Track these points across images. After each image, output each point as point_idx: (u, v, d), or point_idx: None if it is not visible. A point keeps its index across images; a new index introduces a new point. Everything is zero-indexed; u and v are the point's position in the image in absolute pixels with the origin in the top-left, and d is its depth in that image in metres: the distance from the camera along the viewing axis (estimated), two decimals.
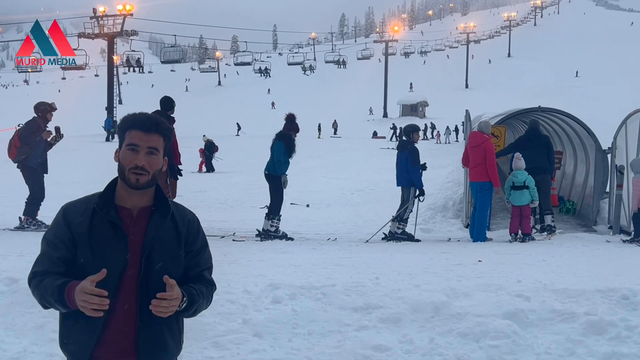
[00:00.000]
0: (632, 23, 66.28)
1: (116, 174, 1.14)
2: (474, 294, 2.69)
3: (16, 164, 4.55)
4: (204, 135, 13.46)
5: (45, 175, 4.59)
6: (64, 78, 53.04)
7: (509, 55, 57.91)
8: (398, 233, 4.88)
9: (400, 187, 5.02)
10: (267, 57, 43.00)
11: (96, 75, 53.96)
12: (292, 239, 4.66)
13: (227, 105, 39.37)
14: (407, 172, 4.86)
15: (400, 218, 4.90)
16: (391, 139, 22.88)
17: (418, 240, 4.86)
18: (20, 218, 4.52)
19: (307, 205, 7.30)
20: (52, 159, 4.71)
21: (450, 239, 5.06)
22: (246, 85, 48.34)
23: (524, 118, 7.66)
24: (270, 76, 44.66)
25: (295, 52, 41.34)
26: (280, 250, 3.95)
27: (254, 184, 8.08)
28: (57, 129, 4.63)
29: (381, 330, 2.40)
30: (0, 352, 2.10)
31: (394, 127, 24.44)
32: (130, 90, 44.06)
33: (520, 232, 4.89)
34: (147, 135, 1.11)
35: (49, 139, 4.58)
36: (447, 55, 55.49)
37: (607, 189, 5.92)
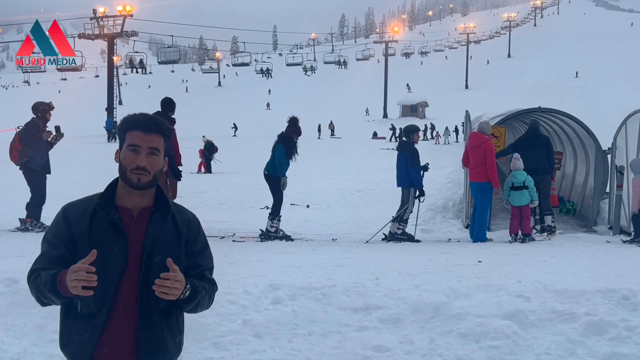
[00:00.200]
0: (632, 24, 66.31)
1: (116, 175, 1.14)
2: (474, 294, 2.69)
3: (19, 166, 4.54)
4: (203, 136, 13.46)
5: (48, 175, 4.58)
6: (64, 79, 53.06)
7: (509, 55, 57.96)
8: (398, 233, 4.88)
9: (400, 188, 5.03)
10: (267, 57, 43.04)
11: (96, 76, 54.00)
12: (292, 239, 4.66)
13: (228, 106, 39.39)
14: (407, 173, 4.86)
15: (401, 218, 4.90)
16: (390, 140, 22.90)
17: (418, 241, 4.86)
18: (20, 219, 4.51)
19: (307, 206, 7.29)
20: (52, 159, 4.69)
21: (450, 239, 5.05)
22: (247, 86, 48.39)
23: (524, 118, 7.65)
24: (271, 77, 44.68)
25: (294, 53, 41.37)
26: (280, 251, 3.95)
27: (254, 185, 8.08)
28: (57, 128, 4.62)
29: (381, 331, 2.40)
30: (0, 352, 2.10)
31: (393, 128, 24.42)
32: (129, 91, 44.09)
33: (520, 232, 4.89)
34: (148, 135, 1.11)
35: (49, 139, 4.58)
36: (446, 56, 55.54)
37: (607, 190, 5.92)
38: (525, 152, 5.15)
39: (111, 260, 1.08)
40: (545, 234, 5.13)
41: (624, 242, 4.78)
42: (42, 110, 4.55)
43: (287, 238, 4.68)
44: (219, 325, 2.32)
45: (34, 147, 4.44)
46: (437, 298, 2.61)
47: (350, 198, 8.23)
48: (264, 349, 2.23)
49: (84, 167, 10.36)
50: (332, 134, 25.74)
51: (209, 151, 12.53)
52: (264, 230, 4.69)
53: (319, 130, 26.06)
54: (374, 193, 8.44)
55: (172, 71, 59.11)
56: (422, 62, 54.67)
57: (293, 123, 4.74)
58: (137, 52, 24.59)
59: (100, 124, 23.01)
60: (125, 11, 22.08)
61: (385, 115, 36.15)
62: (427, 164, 4.96)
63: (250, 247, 4.17)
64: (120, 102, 28.06)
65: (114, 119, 21.10)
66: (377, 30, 58.86)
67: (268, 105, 39.58)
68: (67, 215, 1.11)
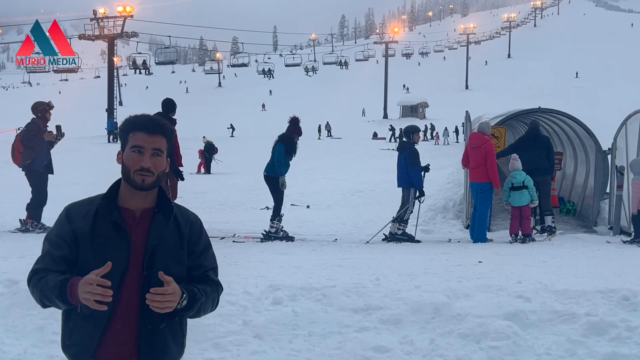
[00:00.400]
0: (633, 24, 66.30)
1: (117, 175, 1.14)
2: (474, 294, 2.69)
3: (20, 167, 4.53)
4: (204, 137, 13.46)
5: (50, 175, 4.57)
6: (66, 80, 53.05)
7: (509, 56, 57.98)
8: (398, 234, 4.88)
9: (400, 188, 5.02)
10: (268, 58, 43.08)
11: (97, 77, 53.97)
12: (293, 239, 4.65)
13: (228, 106, 39.40)
14: (407, 174, 4.86)
15: (401, 219, 4.89)
16: (390, 140, 22.88)
17: (418, 241, 4.86)
18: (20, 220, 4.50)
19: (308, 207, 7.29)
20: (53, 160, 4.68)
21: (450, 239, 5.05)
22: (247, 87, 48.42)
23: (524, 119, 7.64)
24: (273, 77, 44.68)
25: (293, 54, 41.35)
26: (281, 252, 3.94)
27: (254, 185, 8.08)
28: (58, 128, 4.61)
29: (382, 332, 2.39)
30: (0, 354, 2.09)
31: (392, 129, 24.39)
32: (129, 91, 44.09)
33: (520, 232, 4.88)
34: (152, 136, 1.11)
35: (51, 139, 4.58)
36: (444, 57, 55.52)
37: (608, 190, 5.92)
38: (525, 153, 5.15)
39: (113, 261, 1.07)
40: (546, 234, 5.13)
41: (624, 242, 4.78)
42: (42, 110, 4.54)
43: (288, 238, 4.68)
44: (219, 326, 2.32)
45: (36, 149, 4.44)
46: (437, 298, 2.61)
47: (350, 198, 8.23)
48: (265, 350, 2.23)
49: (85, 168, 10.37)
50: (329, 135, 25.58)
51: (209, 152, 12.52)
52: (266, 231, 4.69)
53: (319, 130, 26.05)
54: (374, 193, 8.44)
55: (173, 72, 59.14)
56: (419, 63, 54.59)
57: (294, 123, 4.74)
58: (140, 53, 24.61)
59: (100, 124, 23.01)
60: (126, 12, 22.10)
61: (385, 116, 36.16)
62: (428, 165, 4.95)
63: (251, 248, 4.17)
64: (120, 103, 28.07)
65: (115, 120, 21.10)
66: (377, 30, 58.89)
67: (263, 106, 39.49)
68: (70, 215, 1.11)
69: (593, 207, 6.07)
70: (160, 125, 1.13)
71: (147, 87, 48.98)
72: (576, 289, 2.76)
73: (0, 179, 7.64)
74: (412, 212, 4.96)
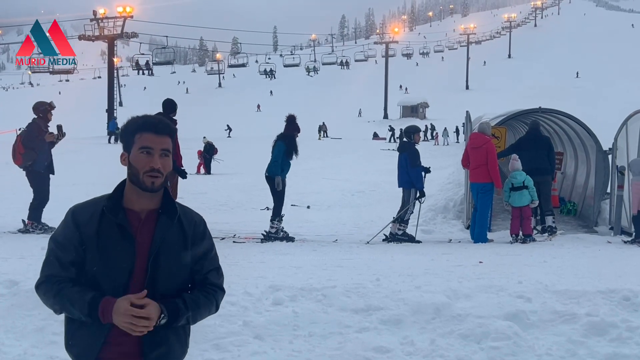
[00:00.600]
0: (633, 25, 66.19)
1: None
2: (475, 295, 2.69)
3: (21, 168, 4.53)
4: (204, 137, 13.47)
5: (51, 176, 4.56)
6: (67, 80, 53.06)
7: (509, 56, 57.91)
8: (399, 234, 4.87)
9: (401, 189, 5.02)
10: (268, 59, 43.09)
11: (98, 77, 53.91)
12: (294, 239, 4.65)
13: (228, 107, 39.38)
14: (408, 174, 4.86)
15: (401, 219, 4.89)
16: (389, 141, 22.83)
17: (419, 242, 4.85)
18: (23, 221, 4.49)
19: (308, 207, 7.28)
20: (54, 161, 4.68)
21: (451, 240, 5.05)
22: (248, 87, 48.38)
23: (525, 119, 7.64)
24: (275, 77, 44.61)
25: (293, 54, 41.30)
26: (281, 252, 3.94)
27: (255, 186, 8.07)
28: (59, 127, 4.60)
29: (382, 332, 2.39)
30: (0, 354, 2.09)
31: (392, 129, 24.30)
32: (128, 92, 44.04)
33: (521, 233, 4.88)
34: (160, 137, 1.11)
35: (52, 140, 4.57)
36: (442, 57, 55.41)
37: (608, 190, 5.91)
38: (526, 153, 5.14)
39: (119, 262, 1.08)
40: (546, 234, 5.12)
41: (625, 242, 4.78)
42: (43, 110, 4.53)
43: (289, 239, 4.68)
44: (220, 326, 2.31)
45: (37, 150, 4.43)
46: (438, 299, 2.61)
47: (350, 199, 8.22)
48: (265, 351, 2.23)
49: (85, 169, 10.37)
50: (325, 135, 25.41)
51: (208, 153, 12.51)
52: (267, 231, 4.68)
53: (319, 130, 26.03)
54: (375, 194, 8.43)
55: (174, 72, 59.08)
56: (417, 63, 54.38)
57: (291, 121, 4.72)
58: (142, 53, 24.59)
59: (100, 125, 22.99)
60: (126, 12, 22.12)
61: (385, 116, 36.13)
62: (429, 167, 4.95)
63: (251, 248, 4.17)
64: (120, 104, 28.07)
65: (116, 121, 21.09)
66: (377, 31, 58.85)
67: (259, 107, 39.40)
68: (76, 217, 1.11)
69: (594, 207, 6.06)
70: (166, 126, 1.14)
71: (145, 87, 48.90)
72: (577, 289, 2.76)
73: (0, 180, 7.63)
74: (412, 212, 4.95)
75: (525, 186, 4.88)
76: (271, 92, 45.99)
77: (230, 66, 34.12)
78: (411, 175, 4.83)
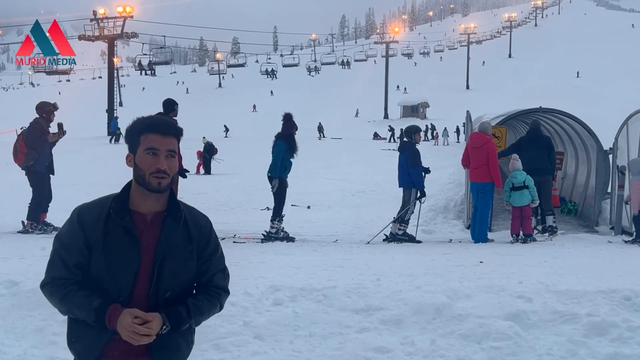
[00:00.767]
0: (633, 25, 66.06)
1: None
2: (475, 295, 2.68)
3: (21, 168, 4.53)
4: (203, 137, 13.47)
5: (51, 176, 4.56)
6: (68, 80, 53.07)
7: (509, 56, 57.86)
8: (399, 234, 4.87)
9: (401, 189, 5.01)
10: (269, 59, 43.05)
11: (99, 77, 53.95)
12: (294, 240, 4.64)
13: (228, 107, 39.36)
14: (408, 174, 4.85)
15: (402, 219, 4.88)
16: (389, 141, 22.77)
17: (419, 242, 4.85)
18: (23, 222, 4.50)
19: (308, 207, 7.27)
20: (54, 161, 4.68)
21: (451, 240, 5.04)
22: (248, 87, 48.34)
23: (525, 119, 7.63)
24: (276, 77, 44.54)
25: (292, 54, 41.31)
26: (281, 252, 3.94)
27: (255, 186, 8.06)
28: (60, 126, 4.60)
29: (382, 332, 2.39)
30: (0, 355, 2.09)
31: (392, 129, 24.24)
32: (127, 92, 43.99)
33: (521, 233, 4.87)
34: (166, 138, 1.11)
35: (55, 140, 4.57)
36: (440, 57, 55.30)
37: (609, 190, 5.90)
38: (526, 153, 5.13)
39: (124, 265, 1.08)
40: (547, 234, 5.12)
41: (626, 242, 4.77)
42: (47, 111, 4.53)
43: (289, 239, 4.67)
44: (220, 326, 2.31)
45: (39, 150, 4.43)
46: (438, 299, 2.60)
47: (351, 199, 8.21)
48: (265, 351, 2.22)
49: (85, 169, 10.37)
50: (322, 136, 25.23)
51: (208, 153, 12.52)
52: (267, 231, 4.68)
53: (320, 130, 26.00)
54: (375, 194, 8.42)
55: (174, 72, 59.04)
56: (415, 63, 54.15)
57: (288, 119, 4.71)
58: (145, 54, 24.56)
59: (100, 125, 22.97)
60: (126, 12, 22.12)
61: (386, 116, 36.10)
62: (428, 168, 4.94)
63: (251, 249, 4.16)
64: (120, 104, 28.06)
65: (117, 121, 21.06)
66: (378, 30, 58.82)
67: (254, 107, 39.28)
68: (81, 218, 1.10)
69: (594, 207, 6.06)
70: (172, 126, 1.13)
71: (143, 88, 48.81)
72: (577, 289, 2.75)
73: (0, 180, 7.63)
74: (413, 212, 4.94)
75: (525, 186, 4.87)
76: (272, 92, 45.97)
77: (229, 66, 34.08)
78: (412, 175, 4.83)
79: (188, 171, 4.50)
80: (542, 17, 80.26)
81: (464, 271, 3.18)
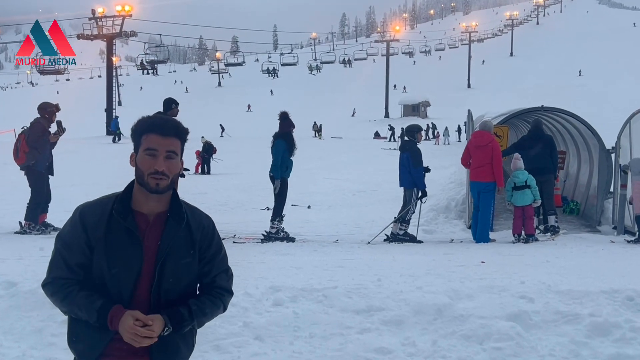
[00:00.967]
0: (635, 24, 65.73)
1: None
2: (477, 295, 2.67)
3: (21, 168, 4.52)
4: (202, 137, 13.46)
5: (50, 177, 4.57)
6: (67, 79, 53.09)
7: (511, 54, 57.70)
8: (400, 234, 4.85)
9: (402, 188, 4.99)
10: (269, 57, 42.95)
11: (99, 76, 54.05)
12: (294, 240, 4.63)
13: (228, 106, 39.32)
14: (410, 173, 4.82)
15: (403, 219, 4.86)
16: (389, 140, 22.72)
17: (420, 242, 4.83)
18: (20, 223, 4.49)
19: (309, 207, 7.25)
20: (53, 161, 4.69)
21: (452, 240, 5.02)
22: (248, 86, 48.32)
23: (527, 118, 7.61)
24: (277, 76, 44.40)
25: (290, 53, 41.36)
26: (281, 252, 3.93)
27: (255, 186, 8.05)
28: (59, 123, 4.61)
29: (383, 333, 2.37)
30: None
31: (392, 128, 24.17)
32: (125, 91, 43.93)
33: (523, 232, 4.85)
34: (166, 139, 1.10)
35: (56, 140, 4.57)
36: (439, 57, 55.09)
37: (611, 189, 5.87)
38: (528, 152, 5.11)
39: (126, 266, 1.08)
40: (549, 234, 5.09)
41: (628, 242, 4.74)
42: (50, 112, 4.54)
43: (289, 239, 4.66)
44: (220, 327, 2.30)
45: (40, 150, 4.43)
46: (439, 299, 2.59)
47: (351, 199, 8.19)
48: (265, 352, 2.21)
49: (86, 169, 10.37)
50: (317, 135, 24.99)
51: (207, 152, 12.51)
52: (267, 231, 4.67)
53: (320, 130, 25.94)
54: (376, 193, 8.40)
55: (174, 71, 59.00)
56: (414, 62, 53.98)
57: (285, 117, 4.70)
58: (147, 53, 24.50)
59: (99, 124, 22.96)
60: (124, 11, 22.08)
61: (386, 115, 36.03)
62: (427, 166, 4.91)
63: (251, 249, 4.15)
64: (119, 103, 28.06)
65: (118, 120, 21.05)
66: (378, 29, 58.71)
67: (249, 107, 39.12)
68: (83, 218, 1.10)
69: (597, 207, 6.03)
70: (174, 127, 1.11)
71: (141, 87, 48.72)
72: (580, 289, 2.73)
73: None
74: (414, 212, 4.92)
75: (527, 185, 4.85)
76: (271, 91, 45.91)
77: (227, 65, 33.97)
78: (414, 175, 4.80)
79: (188, 170, 4.48)
80: (544, 15, 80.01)
81: (465, 271, 3.16)
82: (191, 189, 7.15)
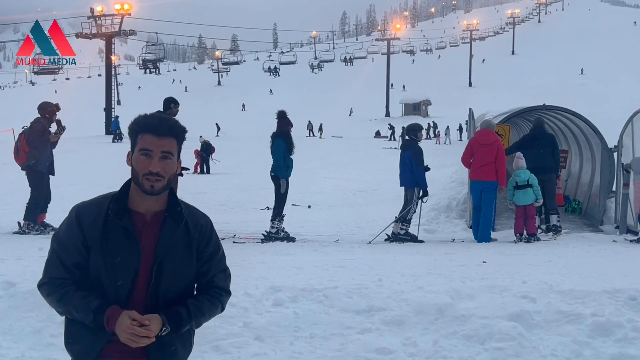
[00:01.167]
0: (635, 23, 65.37)
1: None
2: (478, 295, 2.66)
3: (21, 168, 4.52)
4: (200, 136, 13.44)
5: (51, 177, 4.56)
6: (67, 79, 53.08)
7: (512, 53, 57.51)
8: (401, 234, 4.83)
9: (403, 188, 4.97)
10: (268, 56, 42.87)
11: (99, 75, 54.14)
12: (294, 240, 4.62)
13: (227, 105, 39.28)
14: (411, 172, 4.80)
15: (404, 219, 4.85)
16: (389, 139, 22.68)
17: (421, 241, 4.81)
18: (19, 223, 4.49)
19: (309, 207, 7.24)
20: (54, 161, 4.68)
21: (454, 239, 5.01)
22: (248, 86, 48.27)
23: (529, 116, 7.59)
24: (279, 75, 44.31)
25: (288, 51, 41.30)
26: (282, 252, 3.92)
27: (255, 186, 8.04)
28: (59, 122, 4.60)
29: (384, 333, 2.36)
30: None
31: (392, 127, 24.11)
32: (124, 91, 43.88)
33: (525, 232, 4.83)
34: (161, 139, 1.07)
35: (56, 140, 4.57)
36: (438, 56, 54.87)
37: (614, 188, 5.85)
38: (530, 151, 5.08)
39: (123, 266, 1.07)
40: (551, 233, 5.07)
41: (631, 241, 4.72)
42: (50, 111, 4.53)
43: (289, 239, 4.65)
44: (220, 328, 2.29)
45: (41, 149, 4.43)
46: (441, 299, 2.58)
47: (352, 198, 8.18)
48: (265, 352, 2.20)
49: (84, 168, 10.37)
50: (311, 134, 24.75)
51: (205, 152, 12.49)
52: (267, 231, 4.66)
53: (320, 129, 25.90)
54: (376, 193, 8.38)
55: (174, 70, 58.92)
56: (413, 61, 53.68)
57: (283, 116, 4.68)
58: (150, 53, 24.45)
59: (98, 124, 22.94)
60: (123, 10, 22.04)
61: (387, 114, 35.97)
62: (427, 165, 4.90)
63: (251, 249, 4.15)
64: (119, 102, 28.02)
65: (113, 119, 21.03)
66: (379, 27, 58.59)
67: (243, 106, 39.02)
68: (79, 217, 1.08)
69: (599, 206, 6.01)
70: (169, 126, 1.09)
71: (139, 87, 48.65)
72: (582, 289, 2.72)
73: None
74: (414, 211, 4.90)
75: (529, 185, 4.83)
76: (271, 90, 45.84)
77: (225, 63, 33.81)
78: (415, 174, 4.78)
79: (188, 169, 4.47)
80: (546, 13, 79.80)
81: (466, 271, 3.15)
82: (191, 189, 7.13)
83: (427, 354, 2.23)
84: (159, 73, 28.70)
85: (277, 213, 4.69)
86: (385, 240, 4.82)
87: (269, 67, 38.02)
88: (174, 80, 53.58)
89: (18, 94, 46.74)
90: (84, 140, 17.69)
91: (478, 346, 2.29)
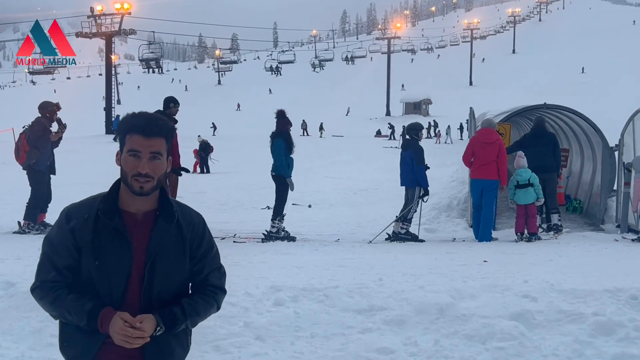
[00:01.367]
0: (634, 22, 65.18)
1: (116, 176, 1.10)
2: (479, 294, 2.65)
3: (22, 167, 4.52)
4: (199, 136, 13.46)
5: (52, 176, 4.56)
6: (68, 78, 53.02)
7: (513, 51, 57.41)
8: (402, 233, 4.82)
9: (404, 187, 4.96)
10: (268, 55, 42.82)
11: (99, 75, 54.10)
12: (295, 239, 4.62)
13: (227, 105, 39.25)
14: (412, 172, 4.80)
15: (404, 218, 4.84)
16: (390, 138, 22.64)
17: (422, 241, 4.81)
18: (19, 222, 4.49)
19: (309, 206, 7.24)
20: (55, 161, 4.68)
21: (455, 239, 5.00)
22: (247, 85, 48.20)
23: (530, 115, 7.57)
24: (280, 74, 44.26)
25: (287, 50, 41.24)
26: (282, 252, 3.91)
27: (255, 185, 8.03)
28: (59, 120, 4.60)
29: (385, 333, 2.36)
30: None
31: (392, 127, 24.08)
32: (124, 90, 43.81)
33: (526, 231, 4.82)
34: (149, 139, 1.06)
35: (57, 139, 4.57)
36: (438, 55, 54.71)
37: (615, 187, 5.84)
38: (531, 150, 5.07)
39: (115, 267, 1.06)
40: (552, 232, 5.06)
41: (632, 240, 4.71)
42: (51, 111, 4.53)
43: (290, 238, 4.65)
44: (220, 327, 2.28)
45: (42, 149, 4.42)
46: (441, 299, 2.57)
47: (352, 197, 8.17)
48: (266, 352, 2.20)
49: (83, 168, 10.37)
50: (305, 134, 24.61)
51: (204, 151, 12.48)
52: (268, 231, 4.66)
53: (321, 128, 25.88)
54: (377, 192, 8.37)
55: (175, 69, 58.85)
56: (412, 60, 53.43)
57: (282, 115, 4.68)
58: (152, 52, 24.44)
59: (98, 123, 22.93)
60: (123, 9, 22.01)
61: (388, 113, 35.93)
62: (427, 164, 4.89)
63: (252, 248, 4.14)
64: (119, 102, 28.00)
65: (113, 119, 21.03)
66: (379, 26, 58.45)
67: (238, 106, 38.88)
68: (70, 219, 1.08)
69: (600, 205, 6.00)
70: (157, 126, 1.08)
71: (138, 86, 48.59)
72: (583, 288, 2.71)
73: None
74: (415, 211, 4.90)
75: (530, 184, 4.82)
76: (270, 90, 45.77)
77: (223, 63, 33.79)
78: (416, 173, 4.77)
79: (188, 170, 4.47)
80: (547, 12, 79.65)
81: (467, 270, 3.15)
82: (191, 188, 7.13)
83: (428, 354, 2.23)
84: (161, 72, 28.67)
85: (278, 212, 4.68)
86: (386, 239, 4.81)
87: (271, 66, 38.03)
88: (173, 79, 53.54)
89: (18, 94, 46.79)
90: (84, 139, 17.69)
91: (479, 346, 2.28)
